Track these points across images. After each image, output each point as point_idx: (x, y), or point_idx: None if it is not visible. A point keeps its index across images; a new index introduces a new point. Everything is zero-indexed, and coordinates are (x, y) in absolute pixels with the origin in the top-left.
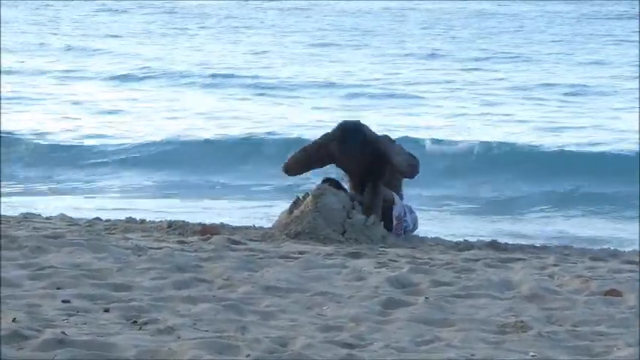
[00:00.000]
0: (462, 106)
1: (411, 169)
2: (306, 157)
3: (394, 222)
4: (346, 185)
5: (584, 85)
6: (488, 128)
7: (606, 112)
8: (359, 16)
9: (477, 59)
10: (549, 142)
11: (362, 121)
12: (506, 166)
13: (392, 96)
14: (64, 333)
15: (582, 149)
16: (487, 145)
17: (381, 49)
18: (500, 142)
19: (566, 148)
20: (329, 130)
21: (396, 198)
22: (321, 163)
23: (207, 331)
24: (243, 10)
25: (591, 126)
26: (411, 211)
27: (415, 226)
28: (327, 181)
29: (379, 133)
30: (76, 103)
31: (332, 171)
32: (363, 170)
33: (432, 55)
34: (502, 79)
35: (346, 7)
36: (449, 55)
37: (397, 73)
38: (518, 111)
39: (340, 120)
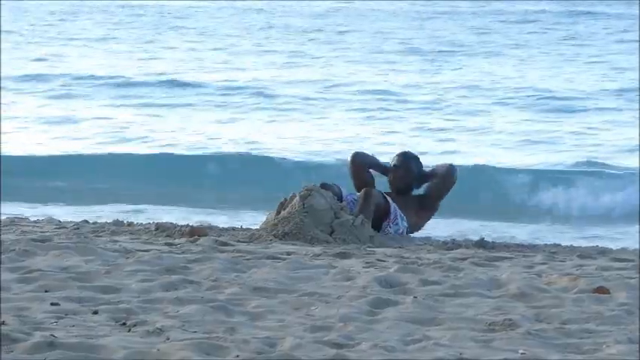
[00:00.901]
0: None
1: (450, 170)
2: (367, 171)
3: (383, 224)
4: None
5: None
6: None
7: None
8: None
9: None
10: None
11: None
12: None
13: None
14: (53, 335)
15: None
16: None
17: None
18: None
19: None
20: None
21: (392, 207)
22: (364, 180)
23: (195, 332)
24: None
25: None
26: (403, 218)
27: (404, 234)
28: (323, 186)
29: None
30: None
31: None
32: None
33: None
34: None
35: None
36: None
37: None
38: None
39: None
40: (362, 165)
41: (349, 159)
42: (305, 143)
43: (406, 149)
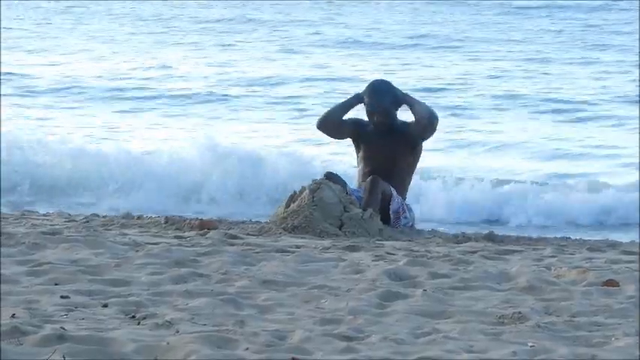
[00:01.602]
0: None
1: (430, 116)
2: (342, 122)
3: (392, 216)
4: (354, 181)
5: None
6: None
7: None
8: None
9: None
10: None
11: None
12: None
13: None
14: (63, 328)
15: None
16: None
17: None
18: None
19: None
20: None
21: (394, 193)
22: (351, 134)
23: (205, 325)
24: None
25: None
26: (410, 210)
27: (414, 225)
28: (330, 176)
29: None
30: None
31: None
32: (387, 150)
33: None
34: None
35: None
36: None
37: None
38: None
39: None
40: (332, 126)
41: (318, 128)
42: None
43: (376, 79)
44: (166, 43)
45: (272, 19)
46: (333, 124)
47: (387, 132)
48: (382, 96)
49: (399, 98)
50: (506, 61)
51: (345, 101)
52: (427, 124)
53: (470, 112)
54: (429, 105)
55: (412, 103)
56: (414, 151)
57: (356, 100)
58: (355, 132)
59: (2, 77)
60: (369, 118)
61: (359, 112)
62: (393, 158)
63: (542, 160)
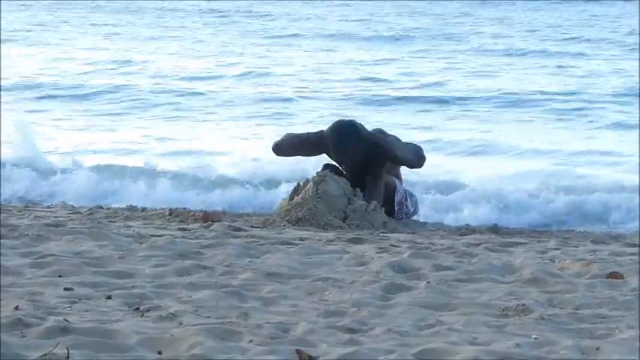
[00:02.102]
0: None
1: (418, 157)
2: (301, 143)
3: (396, 207)
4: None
5: None
6: None
7: None
8: None
9: None
10: None
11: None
12: None
13: None
14: (66, 320)
15: None
16: None
17: None
18: None
19: None
20: (323, 129)
21: (398, 183)
22: (312, 153)
23: (209, 317)
24: None
25: None
26: (411, 195)
27: (417, 210)
28: (328, 167)
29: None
30: None
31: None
32: (358, 169)
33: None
34: None
35: None
36: None
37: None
38: None
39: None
40: (288, 153)
41: (277, 153)
42: None
43: (338, 121)
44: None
45: None
46: (285, 153)
47: (363, 173)
48: (344, 143)
49: (366, 135)
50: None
51: (303, 135)
52: (418, 166)
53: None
54: (411, 145)
55: (393, 151)
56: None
57: (315, 139)
58: (322, 146)
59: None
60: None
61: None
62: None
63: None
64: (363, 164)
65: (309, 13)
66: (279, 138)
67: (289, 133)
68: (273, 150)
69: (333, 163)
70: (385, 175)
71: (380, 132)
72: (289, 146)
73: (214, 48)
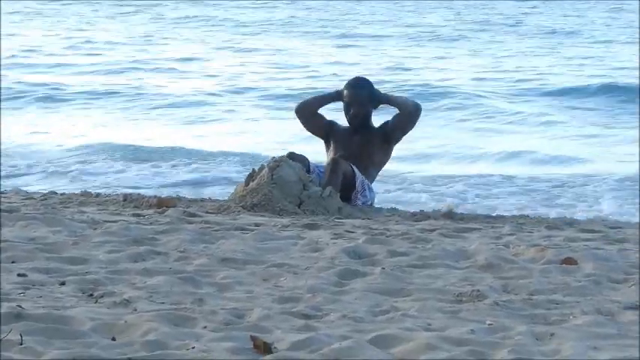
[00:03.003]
0: None
1: (416, 107)
2: (317, 113)
3: (352, 195)
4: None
5: None
6: None
7: None
8: None
9: None
10: None
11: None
12: None
13: None
14: (20, 307)
15: None
16: None
17: None
18: None
19: None
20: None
21: (357, 171)
22: (323, 128)
23: (163, 303)
24: None
25: None
26: (371, 190)
27: (373, 205)
28: (291, 156)
29: None
30: None
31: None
32: (356, 146)
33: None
34: None
35: None
36: None
37: None
38: None
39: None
40: (308, 112)
41: (295, 113)
42: None
43: (357, 75)
44: None
45: None
46: (309, 112)
47: (361, 128)
48: (360, 90)
49: (377, 96)
50: None
51: (325, 94)
52: (412, 111)
53: None
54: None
55: (394, 99)
56: (387, 149)
57: (335, 95)
58: (327, 126)
59: None
60: (345, 111)
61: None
62: (362, 151)
63: None
64: (368, 114)
65: None
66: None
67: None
68: (295, 111)
69: (297, 153)
70: (344, 163)
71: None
72: (309, 104)
73: None
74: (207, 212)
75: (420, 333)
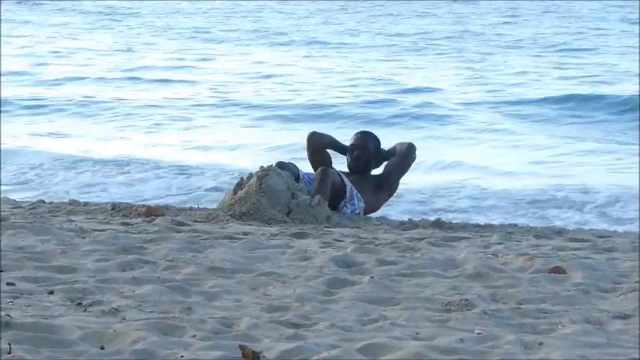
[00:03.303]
0: None
1: (409, 147)
2: (325, 151)
3: (340, 204)
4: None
5: None
6: None
7: None
8: None
9: None
10: None
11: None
12: None
13: None
14: (8, 315)
15: None
16: None
17: None
18: None
19: None
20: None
21: (345, 179)
22: (322, 160)
23: (152, 312)
24: None
25: None
26: (360, 199)
27: (361, 214)
28: (280, 165)
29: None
30: None
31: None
32: (364, 163)
33: None
34: None
35: None
36: None
37: None
38: None
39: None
40: (319, 144)
41: (306, 138)
42: None
43: (365, 129)
44: None
45: None
46: (320, 144)
47: (360, 172)
48: (368, 137)
49: (382, 151)
50: None
51: (339, 142)
52: (405, 151)
53: None
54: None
55: (392, 152)
56: (379, 195)
57: (341, 147)
58: (327, 161)
59: None
60: (348, 156)
61: None
62: (358, 183)
63: None
64: (368, 164)
65: None
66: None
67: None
68: (308, 137)
69: (287, 162)
70: (334, 172)
71: None
72: (321, 137)
73: None
74: (195, 221)
75: (408, 342)
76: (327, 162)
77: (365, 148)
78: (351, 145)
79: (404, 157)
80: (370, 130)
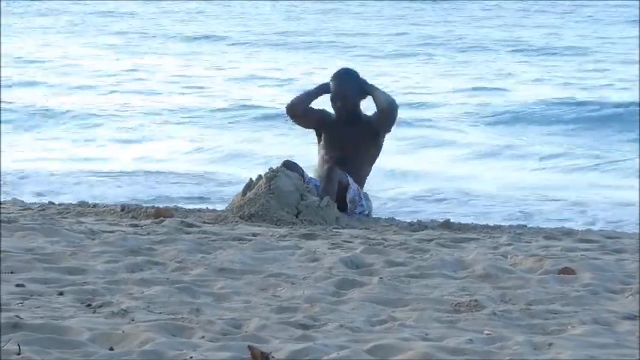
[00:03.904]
0: None
1: (391, 107)
2: (308, 108)
3: (348, 205)
4: (311, 172)
5: None
6: None
7: None
8: None
9: None
10: None
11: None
12: None
13: None
14: (18, 317)
15: None
16: None
17: None
18: None
19: None
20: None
21: (351, 181)
22: (315, 122)
23: (160, 313)
24: None
25: None
26: (367, 198)
27: (370, 214)
28: (288, 164)
29: None
30: None
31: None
32: (348, 138)
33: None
34: None
35: None
36: None
37: None
38: None
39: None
40: (301, 111)
41: (288, 113)
42: None
43: (343, 67)
44: None
45: None
46: (300, 110)
47: (350, 120)
48: (346, 82)
49: (363, 87)
50: None
51: (312, 89)
52: (387, 112)
53: None
54: (389, 94)
55: (374, 93)
56: (376, 142)
57: (322, 88)
58: (320, 119)
59: None
60: (332, 104)
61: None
62: (354, 146)
63: None
64: (355, 106)
65: None
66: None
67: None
68: (286, 110)
69: (294, 161)
70: (340, 173)
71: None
72: (300, 101)
73: None
74: (204, 222)
75: (417, 343)
76: (317, 120)
77: (346, 98)
78: (332, 97)
79: (384, 116)
80: (346, 67)
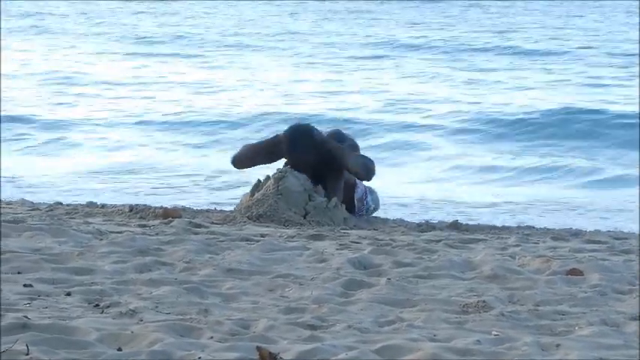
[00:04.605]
0: None
1: (367, 171)
2: (255, 152)
3: (356, 204)
4: None
5: None
6: None
7: None
8: None
9: None
10: None
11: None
12: None
13: None
14: (26, 317)
15: None
16: None
17: None
18: None
19: None
20: (279, 132)
21: (357, 181)
22: (270, 160)
23: (169, 313)
24: None
25: None
26: (372, 192)
27: (377, 206)
28: (295, 128)
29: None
30: None
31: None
32: (313, 172)
33: None
34: None
35: None
36: None
37: None
38: None
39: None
40: (248, 162)
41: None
42: None
43: (293, 127)
44: None
45: None
46: (246, 163)
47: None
48: (298, 148)
49: (324, 145)
50: None
51: (260, 142)
52: (362, 176)
53: None
54: (361, 156)
55: (343, 159)
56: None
57: (271, 143)
58: (272, 155)
59: None
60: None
61: None
62: (320, 170)
63: None
64: (317, 168)
65: None
66: (236, 151)
67: (245, 145)
68: (232, 163)
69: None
70: (344, 172)
71: (338, 135)
72: (246, 157)
73: None
74: (212, 223)
75: (425, 343)
76: (269, 156)
77: (299, 166)
78: (285, 159)
79: (367, 178)
80: (297, 126)
